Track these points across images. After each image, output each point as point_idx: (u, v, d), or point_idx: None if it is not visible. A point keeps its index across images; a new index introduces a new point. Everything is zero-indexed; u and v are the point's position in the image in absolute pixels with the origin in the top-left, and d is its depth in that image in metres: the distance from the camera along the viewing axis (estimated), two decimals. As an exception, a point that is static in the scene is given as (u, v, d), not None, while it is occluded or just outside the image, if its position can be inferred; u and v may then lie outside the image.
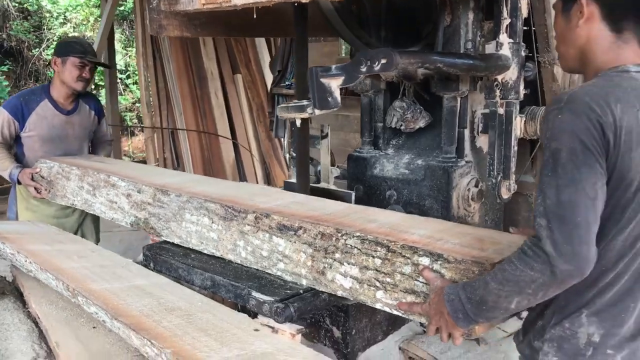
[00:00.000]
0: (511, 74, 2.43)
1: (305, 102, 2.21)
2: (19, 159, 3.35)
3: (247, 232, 2.09)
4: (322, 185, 2.67)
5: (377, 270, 1.73)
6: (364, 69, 2.11)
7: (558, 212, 1.33)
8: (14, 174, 3.23)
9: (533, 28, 2.66)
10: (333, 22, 2.72)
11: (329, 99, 2.17)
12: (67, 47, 3.29)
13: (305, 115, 2.21)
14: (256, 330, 1.74)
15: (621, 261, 1.44)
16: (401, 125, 2.79)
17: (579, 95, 1.38)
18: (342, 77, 2.17)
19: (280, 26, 3.19)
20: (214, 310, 1.88)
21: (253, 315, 1.88)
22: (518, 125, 2.54)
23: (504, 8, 2.41)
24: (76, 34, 11.29)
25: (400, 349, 2.59)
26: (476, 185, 2.68)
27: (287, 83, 5.02)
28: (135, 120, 11.81)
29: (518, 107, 2.50)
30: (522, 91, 2.48)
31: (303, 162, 2.47)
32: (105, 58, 6.94)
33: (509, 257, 1.43)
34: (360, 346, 2.48)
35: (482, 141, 2.76)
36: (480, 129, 2.70)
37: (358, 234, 1.83)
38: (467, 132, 2.68)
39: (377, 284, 1.72)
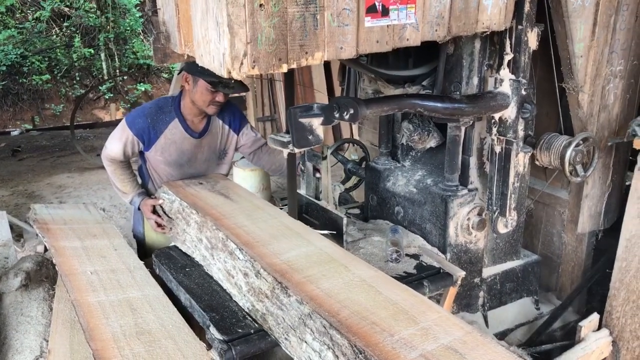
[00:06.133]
0: (510, 113, 2.31)
1: (287, 138, 2.28)
2: (142, 174, 3.12)
3: None
4: (322, 203, 2.74)
5: None
6: (337, 115, 2.13)
7: None
8: (135, 202, 2.98)
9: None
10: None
11: (309, 137, 2.22)
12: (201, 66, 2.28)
13: (286, 150, 2.28)
14: (202, 366, 1.94)
15: None
16: (410, 144, 2.77)
17: None
18: (322, 117, 2.20)
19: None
20: (179, 336, 2.09)
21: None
22: (521, 162, 2.43)
23: (507, 41, 2.26)
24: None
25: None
26: (479, 214, 2.62)
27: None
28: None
29: (520, 145, 2.38)
30: (520, 130, 2.35)
31: (293, 191, 2.56)
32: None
33: None
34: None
35: (493, 167, 2.67)
36: (489, 155, 2.61)
37: None
38: (473, 159, 2.60)
39: None
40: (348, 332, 1.62)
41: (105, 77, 13.16)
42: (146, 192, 3.04)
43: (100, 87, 12.84)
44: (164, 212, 2.82)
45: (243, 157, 3.25)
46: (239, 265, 2.16)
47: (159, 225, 2.87)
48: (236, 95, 2.88)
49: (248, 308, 2.10)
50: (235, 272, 2.19)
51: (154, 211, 2.89)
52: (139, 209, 2.99)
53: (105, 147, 2.94)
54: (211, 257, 2.37)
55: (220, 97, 2.78)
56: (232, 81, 2.66)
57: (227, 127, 3.04)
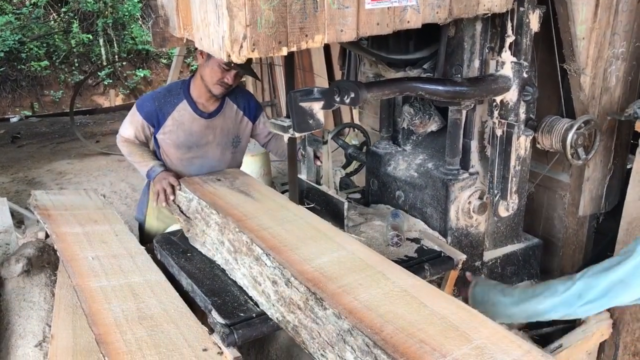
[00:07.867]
0: (511, 95, 2.30)
1: (287, 123, 2.27)
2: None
3: None
4: (323, 188, 2.74)
5: None
6: (337, 99, 2.12)
7: None
8: (155, 171, 2.83)
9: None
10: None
11: (310, 121, 2.20)
12: None
13: (287, 135, 2.27)
14: (204, 350, 1.96)
15: None
16: (411, 128, 2.76)
17: None
18: (322, 102, 2.19)
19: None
20: (181, 320, 2.10)
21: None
22: (522, 145, 2.42)
23: (509, 23, 2.24)
24: None
25: None
26: (480, 198, 2.62)
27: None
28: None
29: (521, 128, 2.37)
30: (522, 113, 2.34)
31: (293, 176, 2.55)
32: None
33: None
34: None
35: (494, 150, 2.66)
36: (490, 139, 2.60)
37: None
38: (474, 143, 2.59)
39: None
40: (395, 351, 1.46)
41: (104, 63, 13.11)
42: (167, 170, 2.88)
43: (99, 73, 12.80)
44: (182, 212, 2.67)
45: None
46: (267, 272, 2.02)
47: (165, 197, 2.72)
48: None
49: (277, 318, 1.95)
50: (262, 280, 2.04)
51: (172, 187, 2.74)
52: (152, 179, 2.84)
53: (118, 133, 2.95)
54: (235, 262, 2.24)
55: (229, 78, 2.74)
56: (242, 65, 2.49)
57: (241, 112, 3.00)
